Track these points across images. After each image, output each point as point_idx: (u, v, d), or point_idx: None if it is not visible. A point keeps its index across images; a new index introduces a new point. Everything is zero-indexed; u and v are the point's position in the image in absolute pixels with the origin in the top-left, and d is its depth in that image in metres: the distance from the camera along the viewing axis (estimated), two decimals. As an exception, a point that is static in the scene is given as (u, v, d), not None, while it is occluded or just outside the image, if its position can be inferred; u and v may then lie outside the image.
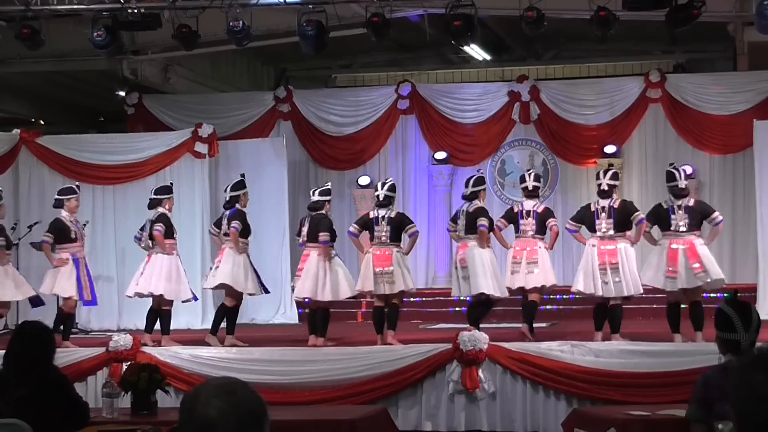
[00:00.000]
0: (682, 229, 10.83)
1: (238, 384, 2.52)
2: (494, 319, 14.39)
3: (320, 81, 19.44)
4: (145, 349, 11.24)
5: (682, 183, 11.04)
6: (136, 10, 12.49)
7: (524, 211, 11.73)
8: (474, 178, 11.79)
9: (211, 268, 12.46)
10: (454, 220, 11.98)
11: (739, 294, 5.12)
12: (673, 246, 10.78)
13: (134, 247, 14.84)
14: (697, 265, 10.72)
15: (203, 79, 18.11)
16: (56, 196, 12.48)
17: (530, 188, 11.90)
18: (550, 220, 11.72)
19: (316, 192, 11.96)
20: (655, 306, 14.89)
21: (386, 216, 11.46)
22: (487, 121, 17.14)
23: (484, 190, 11.88)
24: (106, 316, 15.12)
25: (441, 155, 17.16)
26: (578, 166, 17.01)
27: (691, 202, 11.02)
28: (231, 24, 12.63)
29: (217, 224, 12.47)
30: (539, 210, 11.77)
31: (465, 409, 10.61)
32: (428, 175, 17.27)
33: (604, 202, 11.16)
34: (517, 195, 17.12)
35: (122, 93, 17.35)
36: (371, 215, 11.58)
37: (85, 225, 14.66)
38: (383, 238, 11.45)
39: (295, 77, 19.36)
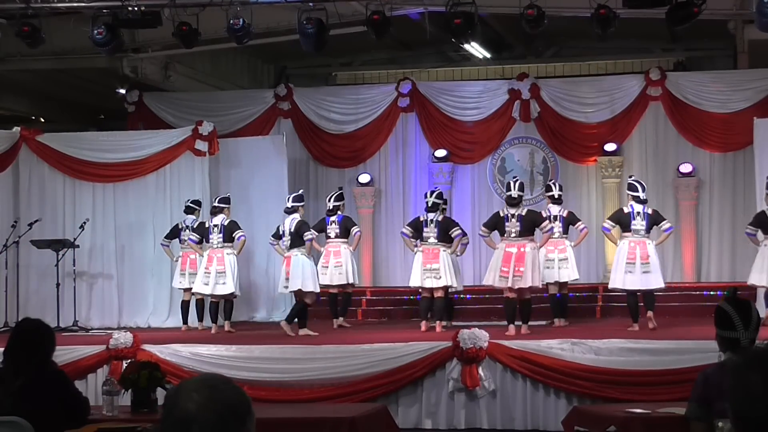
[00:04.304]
0: None
1: (221, 380, 2.49)
2: (494, 317, 14.37)
3: (320, 79, 19.43)
4: (146, 346, 11.26)
5: None
6: (136, 8, 12.50)
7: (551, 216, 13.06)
8: (644, 183, 12.89)
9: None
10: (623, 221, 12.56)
11: (738, 291, 5.13)
12: None
13: (134, 244, 14.79)
14: None
15: (203, 77, 18.10)
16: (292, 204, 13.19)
17: (557, 196, 13.48)
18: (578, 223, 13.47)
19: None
20: (656, 304, 14.88)
21: (434, 219, 12.72)
22: (487, 118, 17.12)
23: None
24: (106, 314, 15.14)
25: (441, 153, 17.14)
26: (578, 164, 17.00)
27: None
28: (231, 22, 12.64)
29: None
30: (564, 214, 13.41)
31: (465, 407, 10.62)
32: (428, 173, 17.24)
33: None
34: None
35: (122, 91, 17.34)
36: (421, 218, 12.88)
37: (85, 223, 14.68)
38: (431, 239, 12.61)
39: (295, 75, 19.35)
